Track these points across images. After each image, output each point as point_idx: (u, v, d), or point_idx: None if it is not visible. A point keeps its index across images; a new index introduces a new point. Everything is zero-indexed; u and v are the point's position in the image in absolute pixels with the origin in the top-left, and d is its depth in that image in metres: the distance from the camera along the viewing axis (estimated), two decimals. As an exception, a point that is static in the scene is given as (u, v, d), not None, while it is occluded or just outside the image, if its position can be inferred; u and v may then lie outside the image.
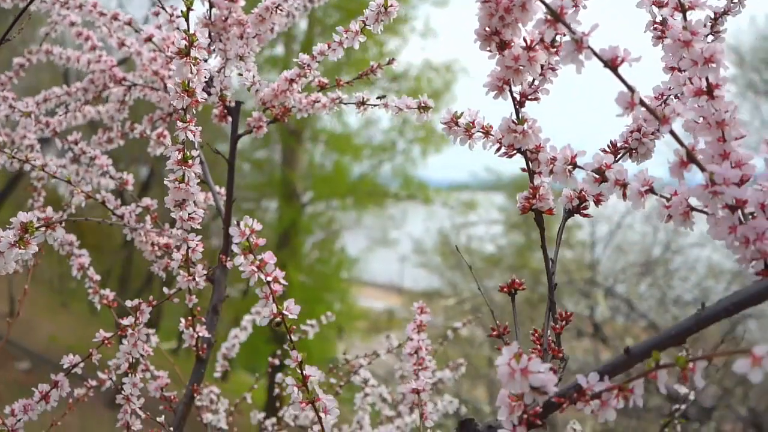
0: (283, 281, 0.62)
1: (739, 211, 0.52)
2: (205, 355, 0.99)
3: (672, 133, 0.51)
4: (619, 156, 0.68)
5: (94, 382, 1.11)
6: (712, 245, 7.68)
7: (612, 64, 0.50)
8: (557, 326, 0.62)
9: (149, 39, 1.06)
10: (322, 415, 0.64)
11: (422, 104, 0.83)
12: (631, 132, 0.67)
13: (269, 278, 0.62)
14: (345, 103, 0.96)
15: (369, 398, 1.28)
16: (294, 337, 0.64)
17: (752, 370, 0.40)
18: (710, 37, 0.71)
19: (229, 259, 0.95)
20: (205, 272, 0.90)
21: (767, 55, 8.89)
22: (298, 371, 0.64)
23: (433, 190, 11.44)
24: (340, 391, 1.31)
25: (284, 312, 0.62)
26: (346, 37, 0.89)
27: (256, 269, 0.61)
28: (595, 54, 0.50)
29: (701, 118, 0.54)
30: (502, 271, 8.71)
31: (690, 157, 0.51)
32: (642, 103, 0.50)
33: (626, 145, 0.68)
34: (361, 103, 0.94)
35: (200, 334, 0.96)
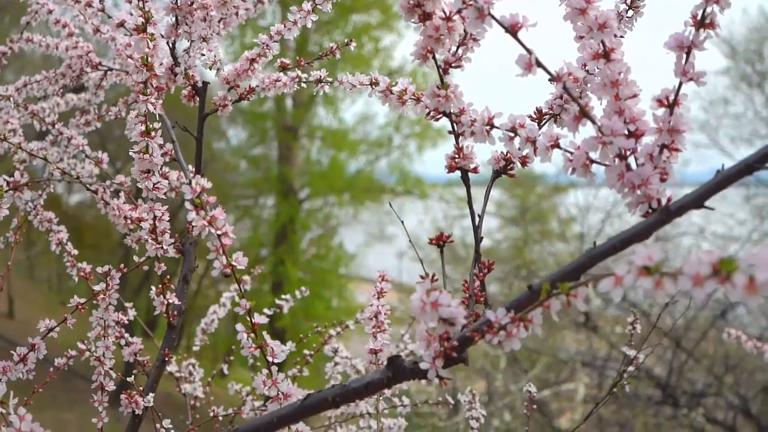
0: (232, 235, 0.68)
1: (633, 160, 0.58)
2: (176, 322, 1.05)
3: (566, 90, 0.57)
4: (544, 121, 0.74)
5: (73, 352, 1.17)
6: (701, 236, 7.79)
7: (512, 29, 0.56)
8: (481, 274, 0.68)
9: (122, 24, 1.11)
10: (269, 358, 0.70)
11: (374, 80, 0.89)
12: (555, 99, 0.73)
13: (219, 232, 0.67)
14: (304, 82, 1.02)
15: (339, 367, 1.34)
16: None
17: (614, 289, 0.45)
18: (630, 12, 0.77)
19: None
20: (172, 240, 0.95)
21: (759, 47, 8.94)
22: (248, 319, 0.70)
23: (430, 186, 11.50)
24: (311, 360, 1.37)
25: (233, 263, 0.68)
26: (300, 17, 0.95)
27: (207, 224, 0.67)
28: (497, 21, 0.56)
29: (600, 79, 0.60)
30: (498, 264, 8.76)
31: (583, 113, 0.57)
32: (538, 63, 0.56)
33: (551, 111, 0.73)
34: (318, 81, 1.00)
35: (171, 302, 1.02)
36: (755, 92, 8.94)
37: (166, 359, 1.04)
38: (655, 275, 0.43)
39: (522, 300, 0.58)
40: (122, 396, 1.01)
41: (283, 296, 1.46)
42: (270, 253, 11.06)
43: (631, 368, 1.18)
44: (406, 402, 1.24)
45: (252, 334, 0.70)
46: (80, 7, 1.16)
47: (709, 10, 0.57)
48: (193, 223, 0.67)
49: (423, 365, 0.60)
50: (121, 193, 1.08)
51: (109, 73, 1.26)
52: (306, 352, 1.37)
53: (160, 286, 1.01)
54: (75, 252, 1.16)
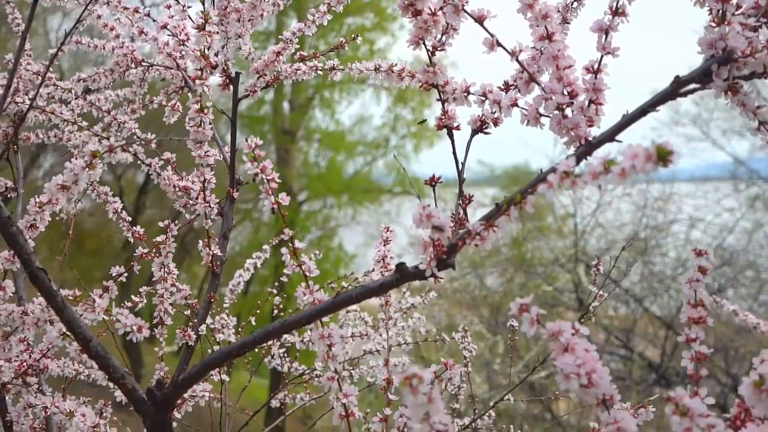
0: (277, 180, 0.90)
1: (570, 112, 0.81)
2: (219, 270, 1.27)
3: (518, 62, 0.79)
4: (511, 90, 0.96)
5: (129, 303, 1.39)
6: (694, 226, 8.04)
7: (480, 20, 0.78)
8: (464, 204, 0.90)
9: (165, 26, 1.34)
10: (307, 273, 0.92)
11: (377, 66, 1.11)
12: (517, 73, 0.95)
13: (269, 178, 0.90)
14: (320, 70, 1.24)
15: (351, 315, 1.57)
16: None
17: (548, 191, 0.68)
18: (575, 4, 1.00)
19: (235, 190, 1.23)
20: (217, 201, 1.18)
21: (748, 40, 9.14)
22: (290, 245, 0.92)
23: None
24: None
25: (279, 200, 0.91)
26: (318, 17, 1.17)
27: (260, 171, 0.89)
28: (468, 14, 0.78)
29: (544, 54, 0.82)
30: (499, 262, 8.97)
31: (531, 78, 0.79)
32: (498, 44, 0.78)
33: (515, 83, 0.96)
34: (332, 68, 1.23)
35: (215, 253, 1.25)
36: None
37: (212, 301, 1.26)
38: (571, 177, 0.65)
39: (491, 213, 0.80)
40: (177, 331, 1.23)
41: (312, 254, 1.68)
42: (271, 255, 11.25)
43: (595, 303, 1.41)
44: (409, 340, 1.46)
45: (294, 256, 0.92)
46: (128, 12, 1.38)
47: (621, 2, 0.79)
48: (249, 172, 0.90)
49: (422, 266, 0.82)
50: (169, 167, 1.31)
51: (150, 68, 1.48)
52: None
53: (206, 240, 1.24)
54: (129, 218, 1.39)
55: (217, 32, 1.22)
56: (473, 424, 1.40)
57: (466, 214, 0.90)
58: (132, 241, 1.31)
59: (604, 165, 0.62)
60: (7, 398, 1.18)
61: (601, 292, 1.43)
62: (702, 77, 0.71)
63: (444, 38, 0.89)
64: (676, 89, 0.72)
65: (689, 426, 0.59)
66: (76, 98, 1.44)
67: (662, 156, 0.56)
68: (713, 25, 0.72)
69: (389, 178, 12.23)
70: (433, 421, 0.64)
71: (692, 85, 0.73)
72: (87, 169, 0.95)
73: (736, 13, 0.74)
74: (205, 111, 1.04)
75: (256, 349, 1.69)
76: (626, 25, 0.86)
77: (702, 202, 8.51)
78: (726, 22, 0.71)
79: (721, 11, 0.71)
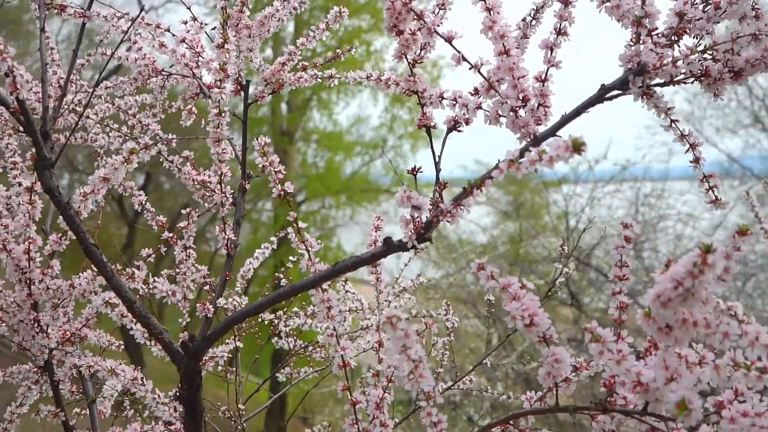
0: (283, 171, 1.09)
1: (521, 112, 1.00)
2: (233, 253, 1.46)
3: (480, 73, 0.98)
4: (478, 95, 1.15)
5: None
6: (677, 219, 8.25)
7: (448, 39, 0.97)
8: (440, 189, 1.09)
9: (183, 40, 1.53)
10: (309, 248, 1.11)
11: (368, 75, 1.30)
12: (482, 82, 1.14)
13: (276, 170, 1.09)
14: (320, 78, 1.43)
15: (349, 294, 1.76)
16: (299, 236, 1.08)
17: (499, 175, 0.86)
18: (534, 21, 1.19)
19: (247, 183, 1.41)
20: (232, 191, 1.37)
21: (738, 40, 9.33)
22: (295, 225, 1.11)
23: (425, 185, 11.89)
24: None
25: (285, 188, 1.09)
26: (318, 32, 1.36)
27: (268, 164, 1.08)
28: (439, 35, 0.97)
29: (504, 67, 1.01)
30: (496, 260, 9.14)
31: (490, 86, 0.98)
32: (463, 58, 0.97)
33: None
34: (330, 77, 1.41)
35: (229, 237, 1.43)
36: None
37: (227, 279, 1.45)
38: (516, 164, 0.84)
39: (460, 195, 0.99)
40: (198, 304, 1.42)
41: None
42: (270, 256, 11.43)
43: (561, 279, 1.59)
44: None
45: (298, 234, 1.11)
46: (150, 28, 1.57)
47: (563, 24, 0.98)
48: (259, 165, 1.09)
49: (404, 239, 1.01)
50: (188, 163, 1.49)
51: (169, 77, 1.67)
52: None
53: (222, 225, 1.43)
54: (152, 209, 1.57)
55: (233, 47, 1.41)
56: (455, 385, 1.59)
57: (441, 197, 1.09)
58: (155, 231, 1.50)
59: (539, 154, 0.80)
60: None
61: (567, 269, 1.62)
62: (621, 85, 0.90)
63: (422, 53, 1.08)
64: (602, 94, 0.91)
65: (602, 350, 0.78)
66: (105, 103, 1.63)
67: (576, 147, 0.75)
68: (631, 43, 0.91)
69: (387, 178, 12.42)
70: (409, 352, 0.82)
71: (615, 92, 0.92)
72: (125, 163, 1.14)
73: (654, 32, 0.93)
74: (223, 114, 1.23)
75: (265, 322, 1.88)
76: (606, 35, 1.03)
77: (694, 198, 8.73)
78: (640, 42, 0.90)
79: (636, 32, 0.90)
